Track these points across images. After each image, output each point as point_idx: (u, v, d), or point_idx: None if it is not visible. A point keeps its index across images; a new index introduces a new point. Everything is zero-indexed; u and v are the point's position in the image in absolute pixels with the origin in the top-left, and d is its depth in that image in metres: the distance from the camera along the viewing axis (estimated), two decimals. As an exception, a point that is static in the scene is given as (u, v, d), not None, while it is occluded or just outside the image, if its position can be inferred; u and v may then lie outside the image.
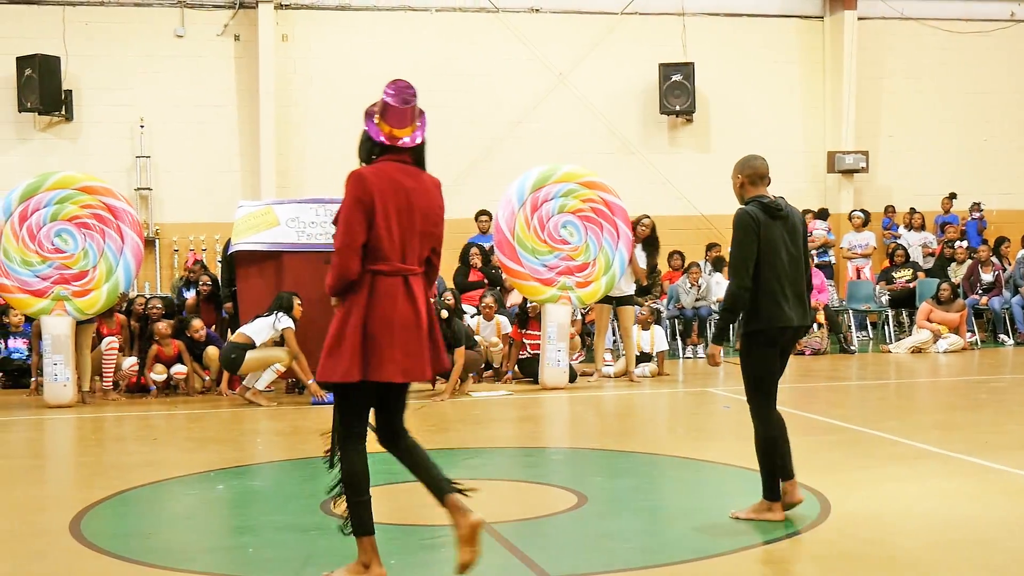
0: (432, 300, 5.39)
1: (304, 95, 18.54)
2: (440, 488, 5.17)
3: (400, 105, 5.20)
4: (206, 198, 18.21)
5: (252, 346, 11.80)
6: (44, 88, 17.40)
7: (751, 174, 6.47)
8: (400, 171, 5.19)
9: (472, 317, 14.16)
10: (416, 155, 5.27)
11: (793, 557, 5.82)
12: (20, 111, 17.62)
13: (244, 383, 12.03)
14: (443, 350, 5.27)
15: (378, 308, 5.04)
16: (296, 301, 12.05)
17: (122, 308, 13.24)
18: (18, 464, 9.19)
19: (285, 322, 11.90)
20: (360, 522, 5.21)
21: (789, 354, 6.53)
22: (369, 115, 5.30)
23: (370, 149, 5.29)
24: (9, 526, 6.80)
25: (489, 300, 13.97)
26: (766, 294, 6.26)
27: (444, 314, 12.20)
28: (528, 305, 13.65)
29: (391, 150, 5.23)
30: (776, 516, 6.44)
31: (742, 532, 6.25)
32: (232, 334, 12.75)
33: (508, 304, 14.95)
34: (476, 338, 13.57)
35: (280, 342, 11.97)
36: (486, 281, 15.45)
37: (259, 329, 11.90)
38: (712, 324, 16.47)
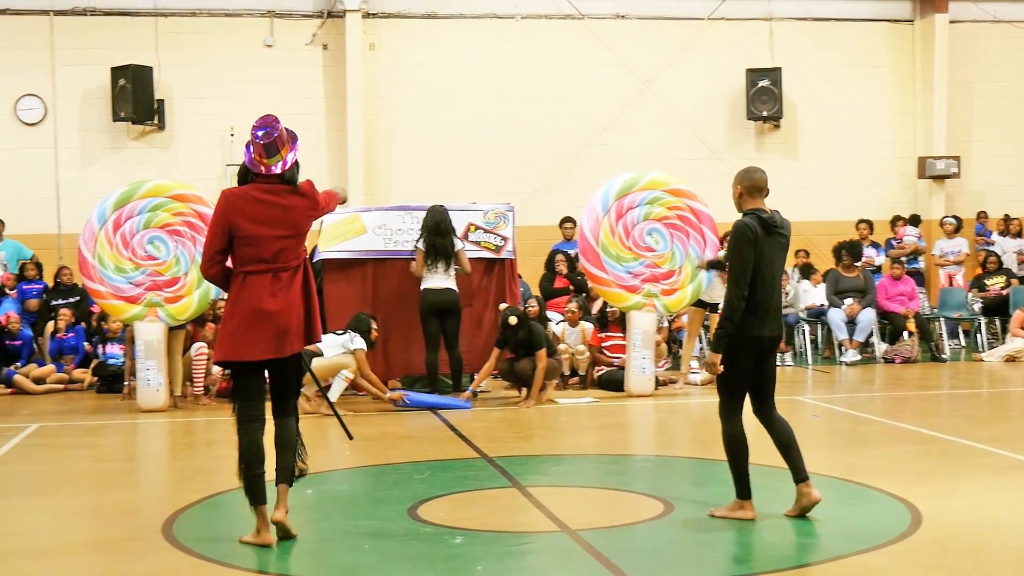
0: None
1: (391, 103, 18.59)
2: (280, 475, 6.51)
3: (264, 140, 6.38)
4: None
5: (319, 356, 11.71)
6: (137, 98, 17.58)
7: (750, 186, 6.65)
8: (263, 190, 6.43)
9: (557, 324, 14.12)
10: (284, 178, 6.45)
11: (884, 568, 5.73)
12: (114, 120, 17.83)
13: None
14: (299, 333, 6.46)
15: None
16: (373, 325, 11.97)
17: (213, 316, 13.32)
18: (113, 467, 9.31)
19: (358, 343, 11.79)
20: (252, 494, 6.34)
21: (773, 361, 6.74)
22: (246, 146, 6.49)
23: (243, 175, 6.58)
24: (104, 529, 6.90)
25: (573, 306, 13.94)
26: (751, 304, 6.45)
27: (512, 320, 12.11)
28: (608, 309, 13.60)
29: (261, 176, 6.44)
30: (747, 514, 6.56)
31: (832, 541, 6.16)
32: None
33: (594, 311, 14.83)
34: (562, 345, 13.53)
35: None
36: (571, 288, 15.40)
37: (330, 344, 11.78)
38: (800, 332, 16.29)
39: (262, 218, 6.36)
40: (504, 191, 17.18)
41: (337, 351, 11.75)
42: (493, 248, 13.11)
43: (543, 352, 12.18)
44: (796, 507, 6.64)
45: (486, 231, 13.11)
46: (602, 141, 18.79)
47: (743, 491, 6.59)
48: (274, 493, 6.47)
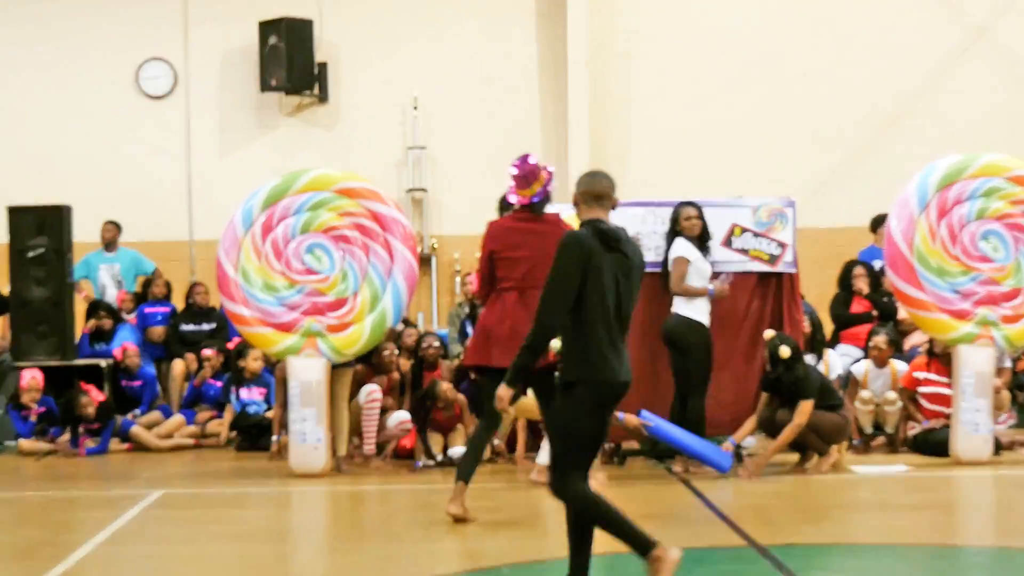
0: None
1: (626, 67, 18.64)
2: None
3: (520, 172, 10.12)
4: (497, 202, 18.26)
5: None
6: (293, 61, 17.92)
7: (585, 192, 7.28)
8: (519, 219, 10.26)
9: (857, 363, 13.99)
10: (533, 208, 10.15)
11: None
12: (262, 91, 18.23)
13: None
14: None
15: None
16: None
17: (390, 351, 13.57)
18: (260, 551, 9.47)
19: None
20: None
21: (610, 415, 7.19)
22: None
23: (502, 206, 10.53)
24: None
25: (880, 340, 13.77)
26: (594, 339, 6.98)
27: (785, 353, 12.00)
28: (935, 344, 13.48)
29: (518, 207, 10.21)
30: None
31: None
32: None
33: (907, 346, 14.72)
34: (864, 392, 13.43)
35: None
36: (875, 313, 15.26)
37: None
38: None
39: (516, 243, 10.05)
40: (778, 181, 17.07)
41: None
42: (767, 258, 13.02)
43: (810, 403, 12.02)
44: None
45: (756, 235, 13.01)
46: (915, 112, 18.60)
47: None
48: None
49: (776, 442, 12.14)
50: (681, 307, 12.32)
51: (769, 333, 12.40)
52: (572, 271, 6.93)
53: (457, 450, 12.82)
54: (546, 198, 10.22)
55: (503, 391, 7.23)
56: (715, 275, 12.39)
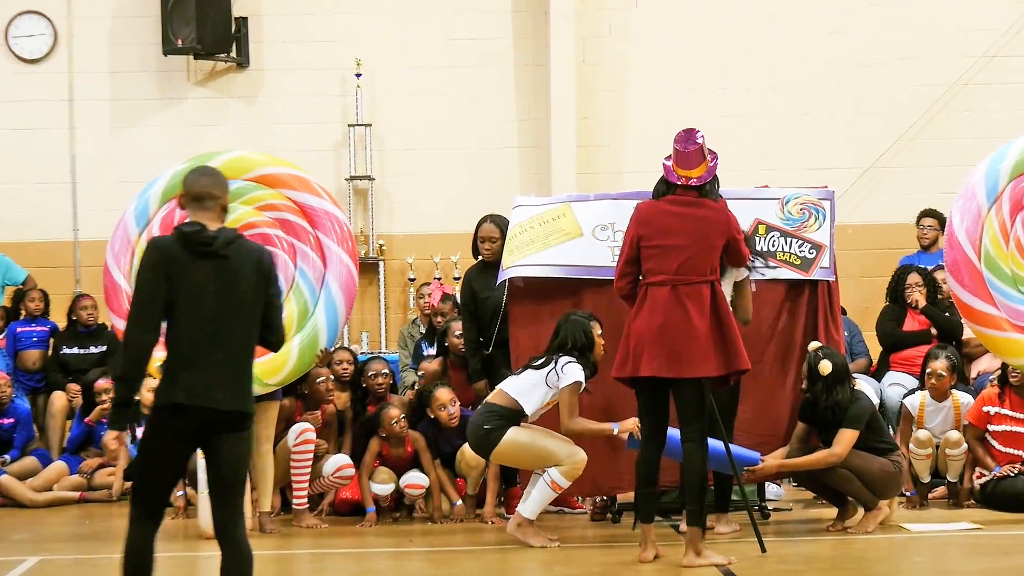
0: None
1: (624, 25, 18.65)
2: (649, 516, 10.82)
3: (684, 149, 10.59)
4: (462, 195, 18.27)
5: (520, 416, 11.71)
6: (204, 16, 17.80)
7: (183, 193, 7.82)
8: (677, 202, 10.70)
9: (911, 394, 13.98)
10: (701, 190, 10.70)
11: None
12: (165, 53, 18.09)
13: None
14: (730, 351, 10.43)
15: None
16: (596, 330, 11.91)
17: (325, 380, 13.46)
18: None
19: (571, 375, 11.68)
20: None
21: (217, 447, 7.54)
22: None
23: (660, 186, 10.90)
24: None
25: (940, 365, 13.64)
26: (171, 358, 7.52)
27: (826, 368, 12.00)
28: (1010, 371, 13.41)
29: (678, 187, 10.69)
30: None
31: None
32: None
33: (974, 374, 14.75)
34: (921, 432, 13.39)
35: None
36: (933, 332, 15.21)
37: (528, 387, 11.80)
38: None
39: (671, 229, 10.47)
40: (812, 168, 17.33)
41: (541, 393, 11.78)
42: (798, 263, 12.94)
43: (849, 436, 12.02)
44: None
45: (786, 234, 12.95)
46: (985, 79, 18.65)
47: None
48: None
49: (801, 459, 12.15)
50: None
51: (815, 344, 12.40)
52: (149, 282, 7.45)
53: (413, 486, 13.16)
54: (714, 182, 10.78)
55: (109, 436, 7.86)
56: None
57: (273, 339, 7.79)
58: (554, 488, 11.71)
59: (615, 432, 11.77)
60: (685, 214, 10.45)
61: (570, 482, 11.73)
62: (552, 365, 11.76)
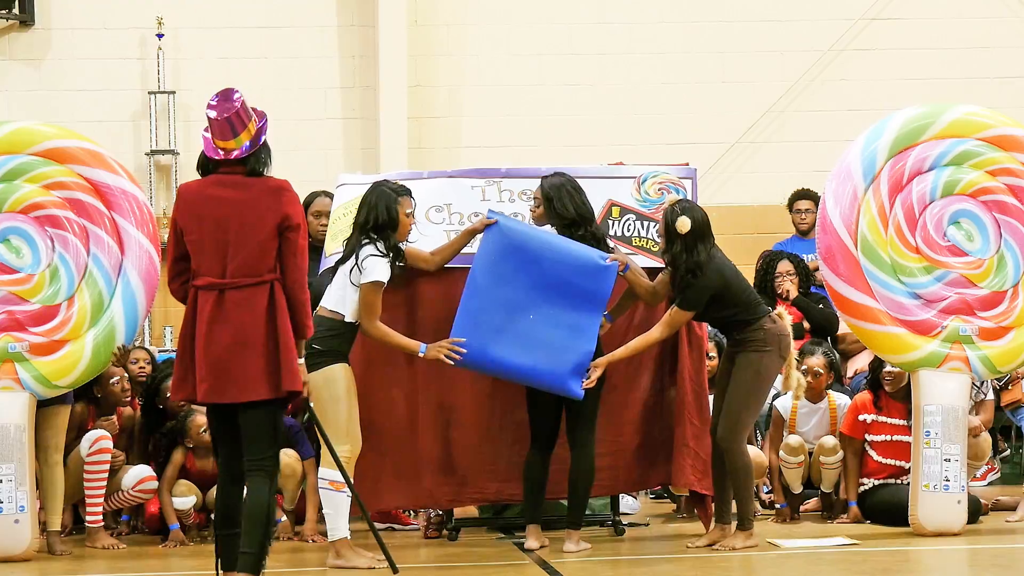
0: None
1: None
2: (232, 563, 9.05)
3: (219, 116, 9.18)
4: (279, 171, 17.98)
5: (348, 325, 11.38)
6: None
7: None
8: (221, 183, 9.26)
9: (776, 398, 13.82)
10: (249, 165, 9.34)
11: None
12: (-66, 9, 18.35)
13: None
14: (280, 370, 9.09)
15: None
16: (406, 208, 11.60)
17: (120, 380, 13.01)
18: None
19: (370, 271, 11.29)
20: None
21: None
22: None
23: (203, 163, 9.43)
24: None
25: (816, 362, 13.56)
26: None
27: (684, 225, 11.76)
28: (885, 371, 13.28)
29: (222, 163, 9.24)
30: None
31: None
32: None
33: (850, 372, 14.89)
34: (792, 437, 13.39)
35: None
36: (806, 325, 15.33)
37: (340, 292, 11.49)
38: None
39: (214, 217, 9.10)
40: (672, 143, 17.85)
41: (351, 299, 11.41)
42: (656, 249, 12.65)
43: (679, 316, 11.91)
44: None
45: (642, 216, 12.83)
46: (862, 44, 18.93)
47: None
48: None
49: (622, 349, 12.00)
50: None
51: (672, 198, 12.38)
52: None
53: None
54: (263, 152, 9.48)
55: None
56: None
57: None
58: (337, 488, 11.40)
59: (421, 354, 11.69)
60: (228, 198, 9.17)
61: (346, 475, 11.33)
62: (353, 260, 11.57)
